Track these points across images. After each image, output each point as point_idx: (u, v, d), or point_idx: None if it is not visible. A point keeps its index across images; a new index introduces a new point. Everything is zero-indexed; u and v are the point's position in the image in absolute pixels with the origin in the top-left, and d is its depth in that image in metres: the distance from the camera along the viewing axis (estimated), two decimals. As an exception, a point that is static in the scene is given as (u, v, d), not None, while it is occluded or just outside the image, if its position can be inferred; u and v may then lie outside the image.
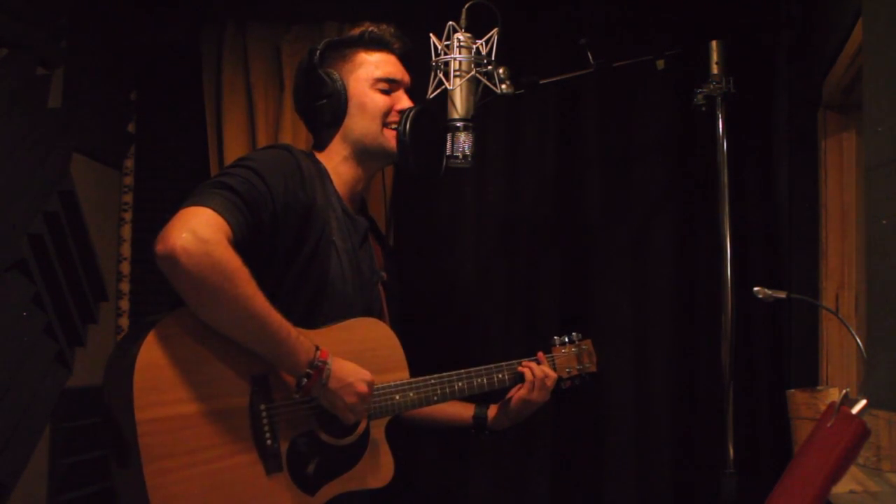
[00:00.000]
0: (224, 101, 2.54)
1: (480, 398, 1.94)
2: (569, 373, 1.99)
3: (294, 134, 2.48)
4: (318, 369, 1.52)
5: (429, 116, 1.80)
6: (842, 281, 2.11)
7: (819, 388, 1.88)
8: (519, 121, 2.48)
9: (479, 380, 1.86)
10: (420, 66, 1.85)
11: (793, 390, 1.83)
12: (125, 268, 2.62)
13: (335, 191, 1.78)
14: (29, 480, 2.09)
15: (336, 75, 1.79)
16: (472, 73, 1.76)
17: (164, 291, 2.47)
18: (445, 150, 1.77)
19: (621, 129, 2.46)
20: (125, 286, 2.61)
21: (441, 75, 1.77)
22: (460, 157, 1.76)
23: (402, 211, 2.48)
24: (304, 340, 1.53)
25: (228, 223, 1.47)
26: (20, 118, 2.04)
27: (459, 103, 1.75)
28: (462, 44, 1.75)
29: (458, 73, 1.75)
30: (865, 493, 1.59)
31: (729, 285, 1.77)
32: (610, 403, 2.39)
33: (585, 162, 2.45)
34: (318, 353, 1.53)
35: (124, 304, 2.61)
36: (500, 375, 1.90)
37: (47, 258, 2.13)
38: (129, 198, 2.63)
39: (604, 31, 2.41)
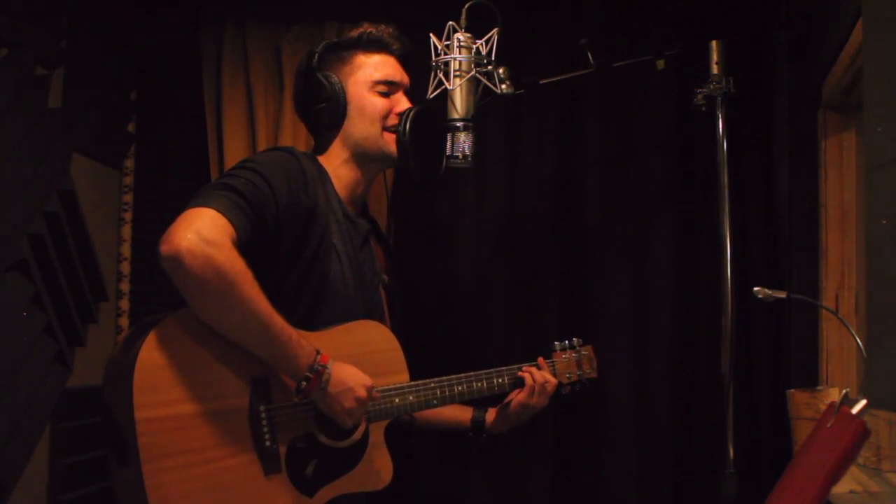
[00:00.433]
0: (224, 101, 2.54)
1: (479, 402, 1.94)
2: (569, 378, 1.99)
3: (294, 134, 2.48)
4: (318, 373, 1.52)
5: (428, 117, 1.80)
6: (842, 281, 2.10)
7: (819, 388, 1.88)
8: (519, 121, 2.48)
9: (479, 384, 1.86)
10: (420, 66, 1.85)
11: (793, 390, 1.83)
12: (125, 268, 2.62)
13: (336, 193, 1.77)
14: (29, 480, 2.09)
15: (334, 78, 1.79)
16: (472, 73, 1.76)
17: (164, 292, 2.49)
18: (445, 151, 1.77)
19: (621, 129, 2.46)
20: (125, 286, 2.61)
21: (441, 75, 1.77)
22: (460, 157, 1.76)
23: (402, 211, 2.48)
24: (305, 344, 1.53)
25: (232, 225, 1.47)
26: (20, 118, 2.04)
27: (459, 103, 1.75)
28: (462, 44, 1.75)
29: (458, 73, 1.75)
30: (865, 493, 1.59)
31: (729, 285, 1.76)
32: (610, 403, 2.39)
33: (585, 162, 2.45)
34: (319, 356, 1.53)
35: (124, 304, 2.61)
36: (500, 380, 1.90)
37: (47, 258, 2.13)
38: (129, 198, 2.63)
39: (604, 31, 2.41)
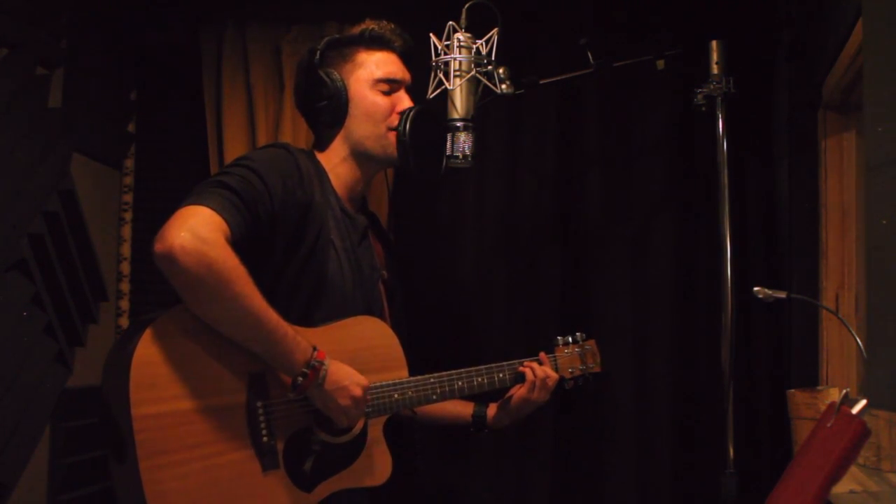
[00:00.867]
0: (224, 101, 2.54)
1: (480, 397, 1.94)
2: (572, 373, 1.99)
3: (294, 134, 2.48)
4: (314, 369, 1.52)
5: (428, 117, 1.80)
6: (842, 281, 2.10)
7: (819, 388, 1.88)
8: (519, 121, 2.48)
9: (480, 379, 1.86)
10: (420, 66, 1.85)
11: (793, 390, 1.83)
12: (125, 268, 2.62)
13: (333, 190, 1.77)
14: (29, 480, 2.09)
15: (336, 75, 1.78)
16: (472, 73, 1.76)
17: (164, 291, 2.47)
18: (445, 151, 1.77)
19: (621, 129, 2.46)
20: (125, 286, 2.62)
21: (441, 75, 1.76)
22: (460, 157, 1.76)
23: (403, 211, 2.48)
24: (302, 340, 1.53)
25: (227, 222, 1.47)
26: (20, 118, 2.04)
27: (459, 103, 1.75)
28: (462, 44, 1.75)
29: (458, 73, 1.75)
30: (865, 493, 1.59)
31: (729, 285, 1.76)
32: (610, 403, 2.39)
33: (585, 162, 2.45)
34: (316, 353, 1.53)
35: (124, 304, 2.61)
36: (501, 375, 1.90)
37: (47, 258, 2.13)
38: (129, 198, 2.63)
39: (604, 31, 2.41)
